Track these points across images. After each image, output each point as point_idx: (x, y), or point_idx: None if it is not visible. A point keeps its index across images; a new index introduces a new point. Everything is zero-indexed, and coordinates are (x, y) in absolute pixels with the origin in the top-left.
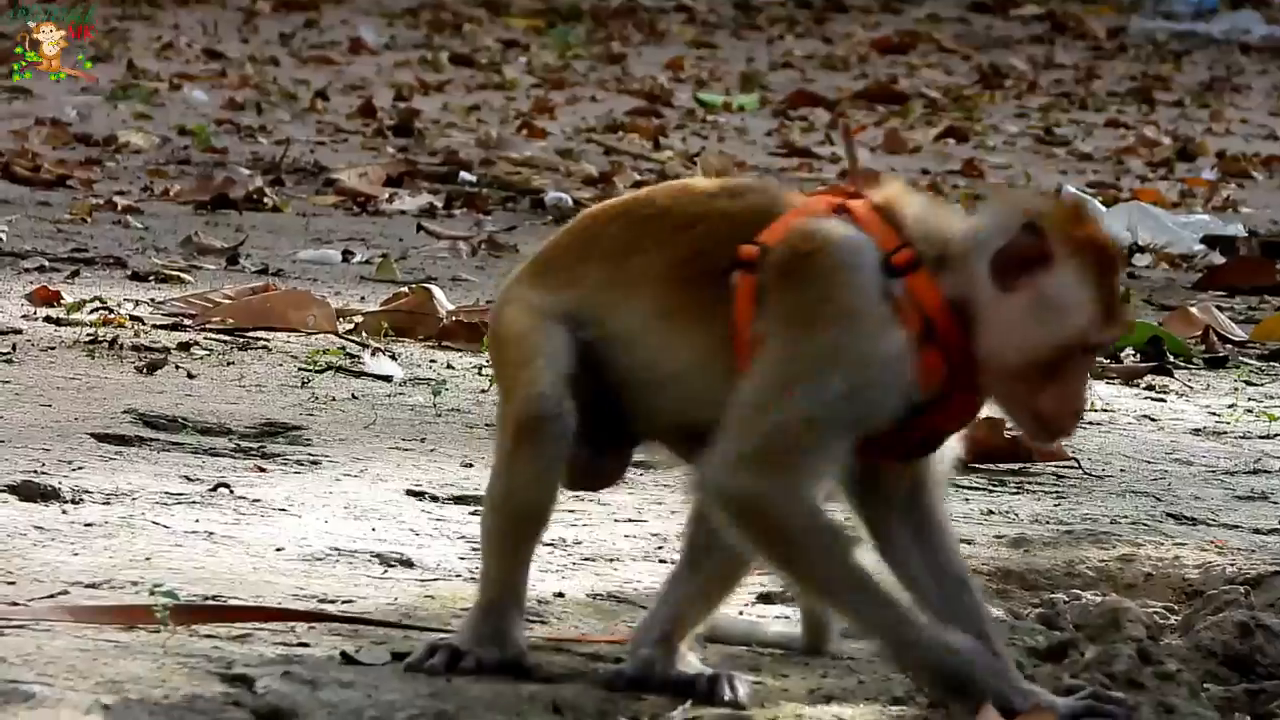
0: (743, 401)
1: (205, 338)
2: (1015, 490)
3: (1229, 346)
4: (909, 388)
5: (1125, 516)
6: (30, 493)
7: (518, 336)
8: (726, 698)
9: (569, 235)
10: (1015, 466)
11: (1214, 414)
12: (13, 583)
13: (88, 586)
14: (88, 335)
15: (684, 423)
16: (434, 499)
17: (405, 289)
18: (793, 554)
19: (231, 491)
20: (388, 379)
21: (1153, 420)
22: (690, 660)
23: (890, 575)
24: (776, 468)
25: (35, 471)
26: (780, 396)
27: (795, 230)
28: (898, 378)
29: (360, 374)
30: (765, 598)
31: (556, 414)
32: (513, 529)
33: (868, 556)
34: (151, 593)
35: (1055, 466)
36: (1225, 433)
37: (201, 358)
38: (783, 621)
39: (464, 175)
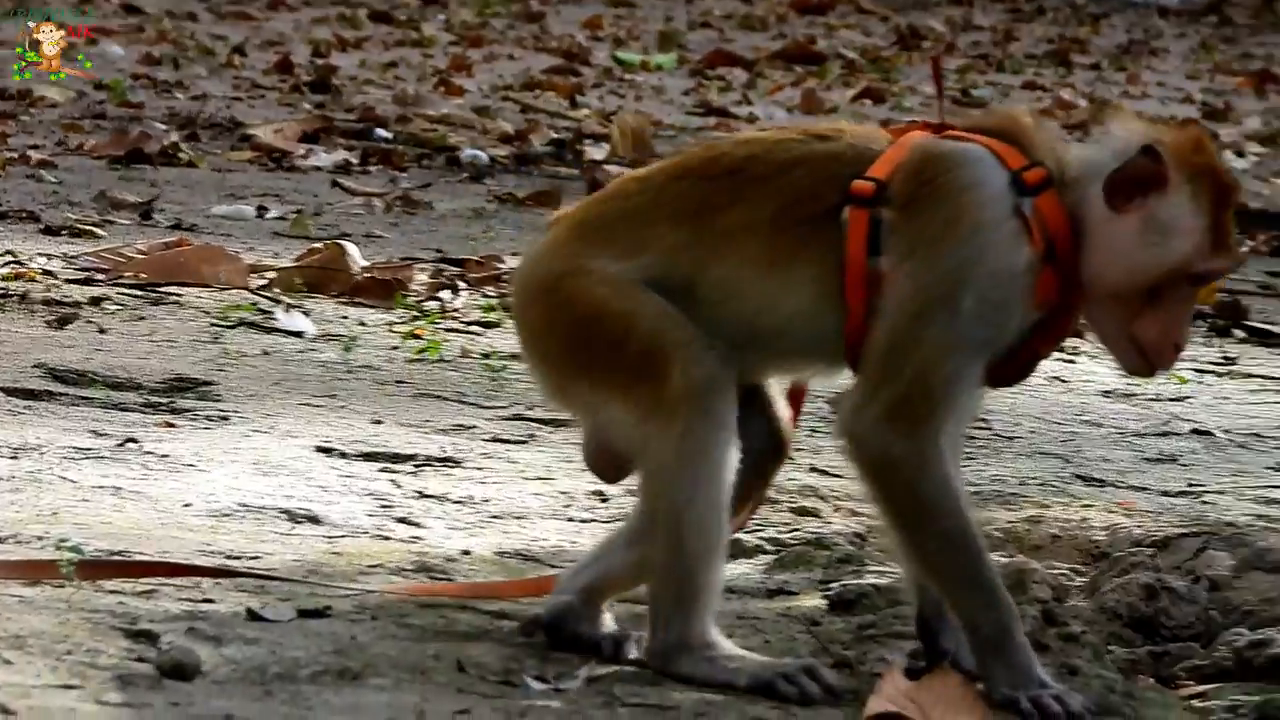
0: (879, 341)
1: (117, 292)
2: None
3: None
4: (1029, 307)
5: (1034, 478)
6: None
7: (624, 310)
8: (632, 656)
9: (616, 200)
10: None
11: (1124, 376)
12: None
13: None
14: None
15: (769, 377)
16: (343, 455)
17: (319, 245)
18: (918, 521)
19: (140, 447)
20: (299, 335)
21: (1063, 382)
22: (606, 621)
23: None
24: (916, 420)
25: None
26: (916, 329)
27: (918, 156)
28: (1024, 295)
29: (272, 330)
30: None
31: (731, 371)
32: (719, 514)
33: (985, 542)
34: (57, 547)
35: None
36: (1135, 395)
37: (113, 312)
38: None
39: (380, 132)
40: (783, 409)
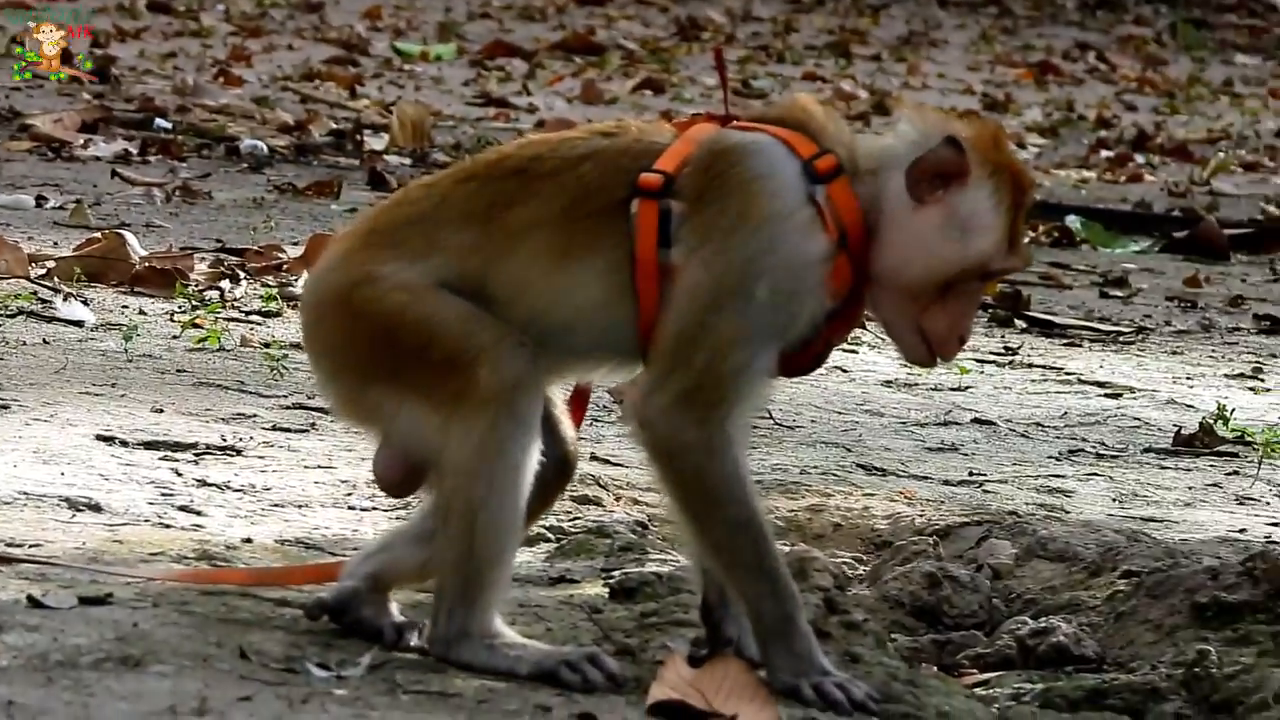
0: (671, 329)
1: None
2: None
3: None
4: (824, 296)
5: (815, 467)
6: None
7: (424, 314)
8: (414, 644)
9: (402, 207)
10: None
11: (905, 365)
12: None
13: None
14: None
15: (565, 376)
16: (124, 444)
17: (98, 234)
18: (706, 507)
19: None
20: (79, 324)
21: (844, 371)
22: (390, 609)
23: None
24: (707, 407)
25: None
26: (708, 317)
27: (706, 149)
28: (819, 284)
29: (52, 319)
30: None
31: (539, 370)
32: (515, 514)
33: (772, 530)
34: None
35: None
36: (916, 384)
37: None
38: None
39: (159, 122)
40: (569, 431)
